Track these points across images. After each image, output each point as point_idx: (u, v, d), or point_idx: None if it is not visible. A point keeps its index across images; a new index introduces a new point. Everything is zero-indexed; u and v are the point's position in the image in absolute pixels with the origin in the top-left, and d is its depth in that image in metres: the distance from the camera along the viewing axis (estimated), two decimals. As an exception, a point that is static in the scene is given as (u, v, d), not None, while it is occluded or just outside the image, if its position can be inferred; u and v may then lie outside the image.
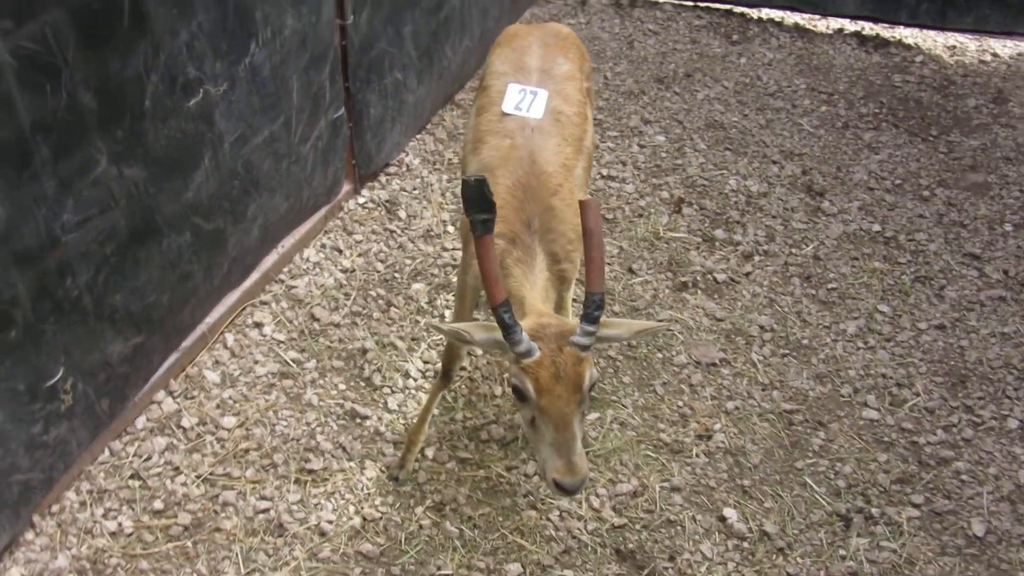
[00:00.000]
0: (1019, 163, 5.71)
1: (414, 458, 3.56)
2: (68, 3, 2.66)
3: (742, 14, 7.07)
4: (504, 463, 3.65)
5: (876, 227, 5.10)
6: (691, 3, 7.12)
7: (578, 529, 3.43)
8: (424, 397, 3.87)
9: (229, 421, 3.65)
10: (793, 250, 4.90)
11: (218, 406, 3.71)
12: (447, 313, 4.27)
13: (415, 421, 3.57)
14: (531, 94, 3.16)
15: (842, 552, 3.45)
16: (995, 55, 6.85)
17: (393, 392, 3.89)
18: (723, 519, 3.54)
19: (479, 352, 4.01)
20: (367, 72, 4.50)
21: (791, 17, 7.15)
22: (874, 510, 3.60)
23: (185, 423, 3.62)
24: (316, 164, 4.32)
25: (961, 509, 3.64)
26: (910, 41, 6.96)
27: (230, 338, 3.98)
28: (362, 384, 3.91)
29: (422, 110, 5.28)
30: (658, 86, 6.20)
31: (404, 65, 4.82)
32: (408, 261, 4.54)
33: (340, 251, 4.54)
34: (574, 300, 3.37)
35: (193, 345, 3.81)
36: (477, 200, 2.30)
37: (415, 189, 4.98)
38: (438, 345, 4.11)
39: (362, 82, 4.48)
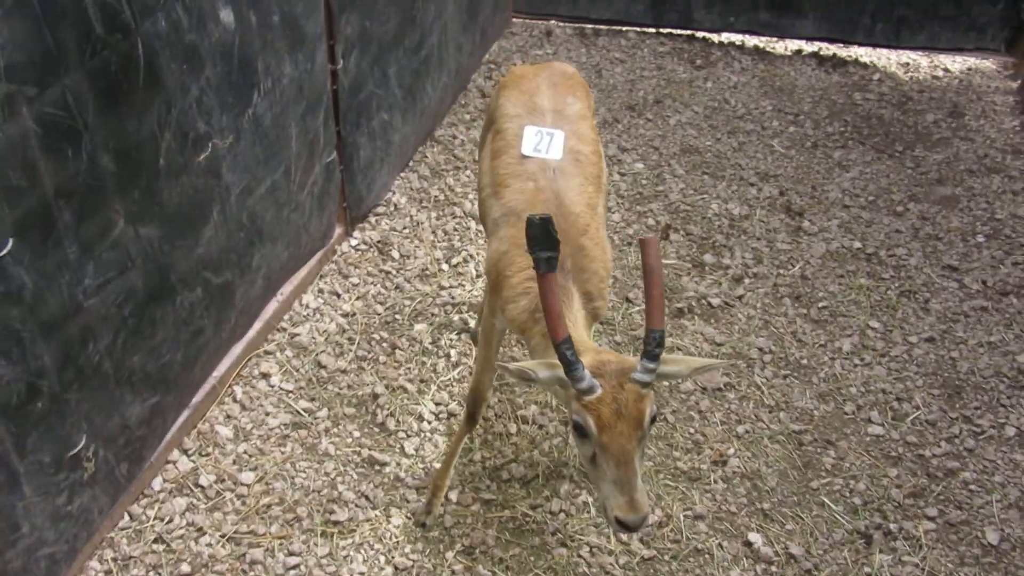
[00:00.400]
0: (982, 175, 5.91)
1: (440, 503, 3.54)
2: (87, 65, 2.62)
3: (704, 39, 7.22)
4: (528, 502, 3.64)
5: (857, 244, 5.23)
6: (653, 30, 7.25)
7: (610, 564, 3.44)
8: (440, 440, 3.85)
9: (248, 476, 3.59)
10: (781, 271, 5.00)
11: (234, 461, 3.65)
12: (452, 353, 4.27)
13: (440, 466, 3.55)
14: (548, 135, 3.19)
15: (867, 569, 3.51)
16: (946, 70, 7.09)
17: (409, 436, 3.87)
18: (748, 544, 3.58)
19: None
20: (357, 115, 4.49)
21: (751, 40, 7.32)
22: (892, 525, 3.67)
23: (203, 481, 3.55)
24: (312, 210, 4.29)
25: (974, 519, 3.73)
26: (866, 60, 7.18)
27: (239, 391, 3.92)
28: (376, 430, 3.88)
29: (406, 148, 5.28)
30: (630, 113, 6.30)
31: (390, 105, 4.82)
32: (407, 302, 4.52)
33: (338, 295, 4.50)
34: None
35: (203, 401, 3.74)
36: (542, 238, 2.31)
37: (405, 228, 4.96)
38: (447, 387, 4.10)
39: (352, 125, 4.47)
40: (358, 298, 4.50)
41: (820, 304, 4.78)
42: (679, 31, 7.23)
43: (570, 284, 2.87)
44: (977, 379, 4.39)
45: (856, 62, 7.14)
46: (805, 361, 4.42)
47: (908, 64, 7.18)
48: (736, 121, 6.33)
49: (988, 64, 7.09)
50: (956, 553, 3.60)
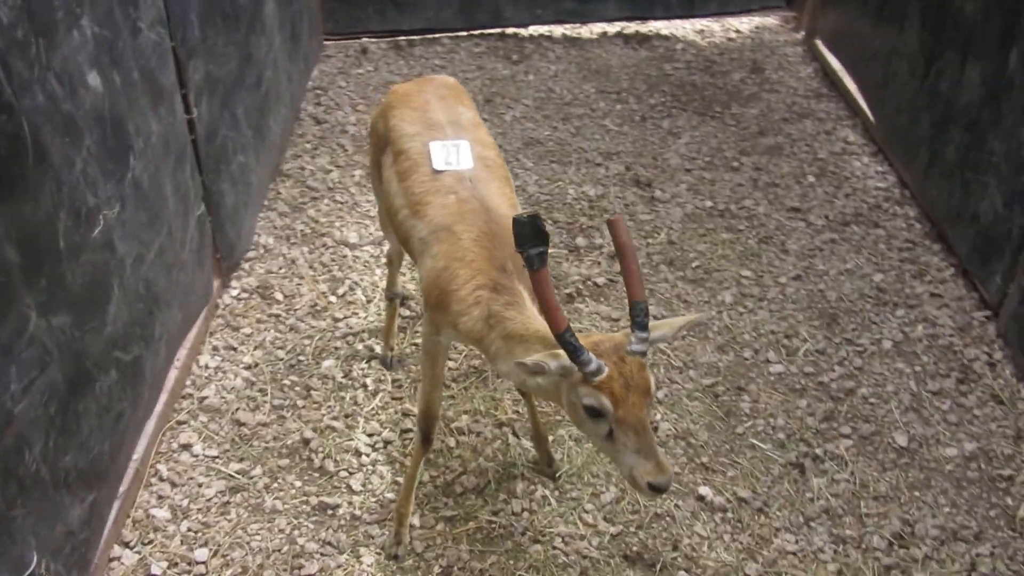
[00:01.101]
0: (795, 121, 6.43)
1: (407, 531, 3.50)
2: (-23, 155, 2.42)
3: (515, 34, 7.41)
4: (488, 509, 3.67)
5: (708, 203, 5.57)
6: (465, 32, 7.36)
7: (585, 548, 3.53)
8: (383, 470, 3.80)
9: (201, 553, 3.41)
10: (649, 240, 5.25)
11: (182, 542, 3.45)
12: (368, 382, 4.21)
13: (401, 493, 3.51)
14: (454, 147, 3.22)
15: (808, 495, 3.79)
16: (738, 31, 7.64)
17: (351, 473, 3.79)
18: (701, 498, 3.77)
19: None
20: (216, 162, 4.33)
21: (558, 29, 7.58)
22: (817, 450, 3.97)
23: (155, 570, 3.34)
24: (194, 266, 4.11)
25: (881, 428, 4.10)
26: (666, 32, 7.61)
27: (163, 469, 3.70)
28: (317, 475, 3.78)
29: (262, 188, 5.13)
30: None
31: (244, 146, 4.68)
32: (306, 341, 4.41)
33: (235, 349, 4.33)
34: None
35: (130, 487, 3.51)
36: (531, 235, 2.36)
37: (281, 268, 4.83)
38: (374, 416, 4.04)
39: (213, 173, 4.31)
40: (256, 347, 4.35)
41: (693, 264, 5.06)
42: (490, 30, 7.38)
43: (516, 283, 2.93)
44: (846, 304, 4.80)
45: (658, 35, 7.55)
46: (706, 328, 4.68)
47: (703, 31, 7.67)
48: (566, 108, 6.55)
49: (773, 21, 7.70)
50: (876, 461, 3.95)
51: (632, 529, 3.64)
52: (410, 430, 3.99)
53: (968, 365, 4.38)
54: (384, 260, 4.93)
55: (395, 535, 3.47)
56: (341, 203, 5.36)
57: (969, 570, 3.49)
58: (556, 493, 3.76)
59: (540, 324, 2.82)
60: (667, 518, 3.69)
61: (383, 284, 4.77)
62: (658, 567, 3.49)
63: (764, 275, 4.99)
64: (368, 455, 3.87)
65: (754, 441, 4.02)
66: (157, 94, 3.60)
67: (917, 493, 3.80)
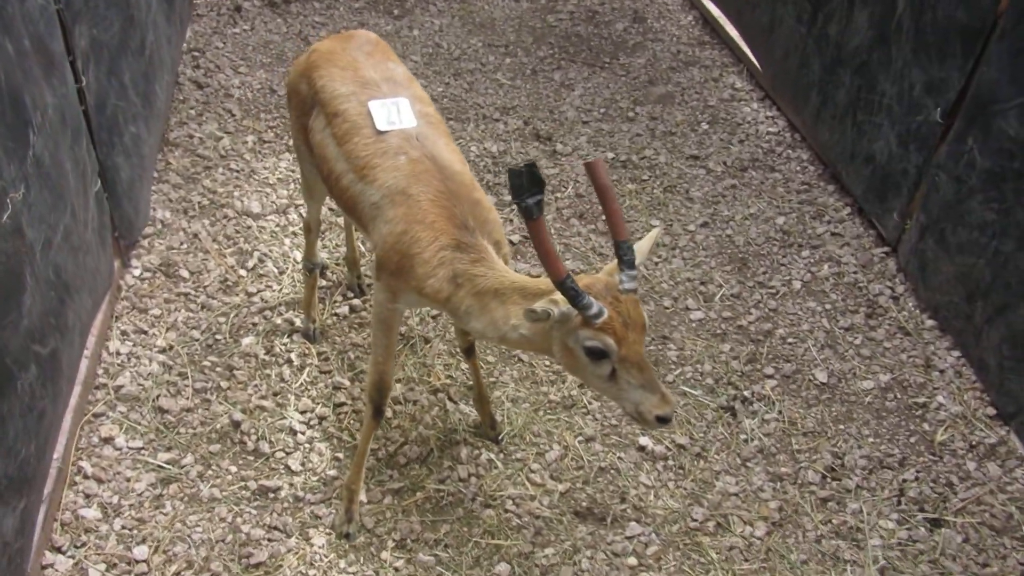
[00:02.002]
0: (681, 69, 6.52)
1: (358, 508, 3.41)
2: None
3: (395, -12, 7.19)
4: (435, 477, 3.61)
5: (610, 154, 5.60)
6: (348, -13, 7.09)
7: (536, 508, 3.53)
8: (321, 446, 3.68)
9: (141, 551, 3.22)
10: (557, 195, 5.24)
11: (118, 541, 3.25)
12: (292, 357, 4.05)
13: (352, 470, 3.40)
14: (394, 105, 3.09)
15: (743, 436, 3.90)
16: (618, -20, 7.66)
17: (288, 453, 3.65)
18: (642, 448, 3.83)
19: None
20: (109, 133, 4.03)
21: (439, -18, 7.40)
22: (745, 392, 4.09)
23: (94, 574, 3.13)
24: (97, 248, 3.82)
25: (802, 366, 4.26)
26: (547, -17, 7.55)
27: (87, 466, 3.46)
28: (252, 458, 3.62)
29: (153, 159, 4.82)
30: (355, 75, 6.15)
31: (134, 116, 4.36)
32: (221, 319, 4.20)
33: (145, 332, 4.07)
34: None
35: (54, 489, 3.27)
36: (529, 184, 2.32)
37: (183, 244, 4.56)
38: (305, 392, 3.90)
39: (107, 145, 4.01)
40: (168, 329, 4.10)
41: (603, 217, 5.07)
42: (369, -16, 7.13)
43: (480, 239, 2.89)
44: (754, 248, 4.94)
45: (539, -14, 7.49)
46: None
47: (582, -20, 7.66)
48: (455, 63, 6.42)
49: (650, -32, 7.75)
50: (801, 399, 4.10)
51: (579, 485, 3.66)
52: (344, 404, 3.87)
53: (874, 300, 4.59)
54: (294, 229, 4.73)
55: (345, 513, 3.37)
56: (237, 171, 5.09)
57: (899, 495, 3.68)
58: (501, 456, 3.74)
59: (513, 276, 2.81)
60: (612, 471, 3.73)
61: (294, 254, 4.58)
62: (608, 520, 3.53)
63: (673, 223, 5.07)
64: (303, 433, 3.74)
65: (685, 388, 4.10)
66: (49, 63, 3.29)
67: (842, 426, 3.97)
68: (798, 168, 5.54)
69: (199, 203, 4.82)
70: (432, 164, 2.98)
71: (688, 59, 6.63)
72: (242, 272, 4.46)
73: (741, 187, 5.38)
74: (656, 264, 4.77)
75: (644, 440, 3.84)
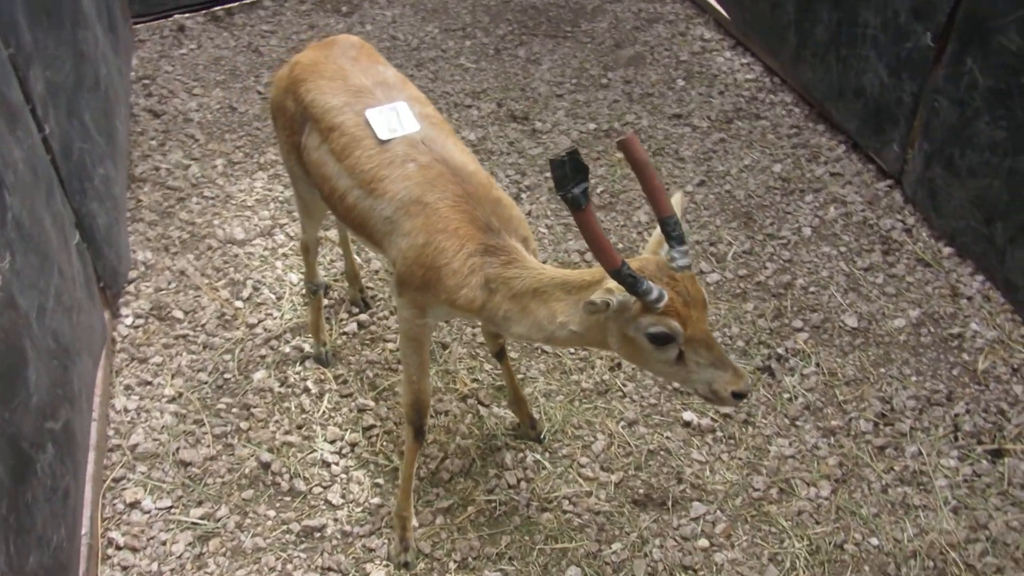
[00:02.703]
0: (646, 28, 6.35)
1: (412, 535, 3.24)
2: None
3: (339, -15, 6.92)
4: (483, 489, 3.46)
5: (592, 125, 5.43)
6: (286, -9, 6.81)
7: (595, 504, 3.40)
8: (358, 474, 3.51)
9: (194, 617, 3.04)
10: (546, 175, 5.07)
11: (167, 610, 3.07)
12: (309, 385, 3.86)
13: (399, 496, 3.24)
14: (392, 111, 2.90)
15: (786, 395, 3.79)
16: (562, -54, 7.45)
17: (326, 487, 3.48)
18: (687, 424, 3.70)
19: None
20: (79, 180, 3.79)
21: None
22: (778, 350, 3.98)
23: (148, 650, 2.95)
24: (88, 303, 3.60)
25: (829, 314, 4.15)
26: (492, -42, 7.32)
27: (117, 536, 3.26)
28: (289, 499, 3.44)
29: (124, 199, 4.57)
30: (314, 81, 5.91)
31: (100, 156, 4.12)
32: (226, 357, 3.99)
33: (150, 383, 3.85)
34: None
35: (88, 569, 3.06)
36: (573, 173, 2.16)
37: (171, 283, 4.33)
38: (331, 420, 3.72)
39: (79, 192, 3.77)
40: (173, 376, 3.89)
41: (599, 190, 4.92)
42: (311, -16, 6.86)
43: (506, 240, 2.74)
44: (756, 200, 4.81)
45: (484, -37, 7.26)
46: (620, 246, 4.56)
47: (527, -49, 7.44)
48: (415, 54, 6.20)
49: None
50: (835, 348, 3.99)
51: (632, 472, 3.53)
52: (373, 426, 3.70)
53: (887, 236, 4.49)
54: (284, 251, 4.52)
55: (400, 541, 3.21)
56: (211, 198, 4.86)
57: (954, 431, 3.60)
58: (547, 455, 3.59)
59: (551, 272, 2.67)
60: (661, 452, 3.60)
61: (289, 277, 4.37)
62: (670, 503, 3.41)
63: (669, 187, 4.92)
64: (337, 463, 3.56)
65: (717, 355, 3.96)
66: (10, 115, 3.06)
67: (883, 369, 3.87)
68: (784, 112, 5.42)
69: (179, 238, 4.59)
70: (445, 167, 2.81)
71: (651, 16, 6.46)
72: (238, 304, 4.25)
73: (730, 140, 5.25)
74: (654, 230, 4.62)
75: (688, 415, 3.71)
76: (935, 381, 3.80)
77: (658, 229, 2.56)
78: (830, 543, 3.25)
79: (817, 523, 3.32)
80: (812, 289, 4.27)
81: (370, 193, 2.85)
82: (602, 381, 3.88)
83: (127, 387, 3.82)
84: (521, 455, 3.58)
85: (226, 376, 3.91)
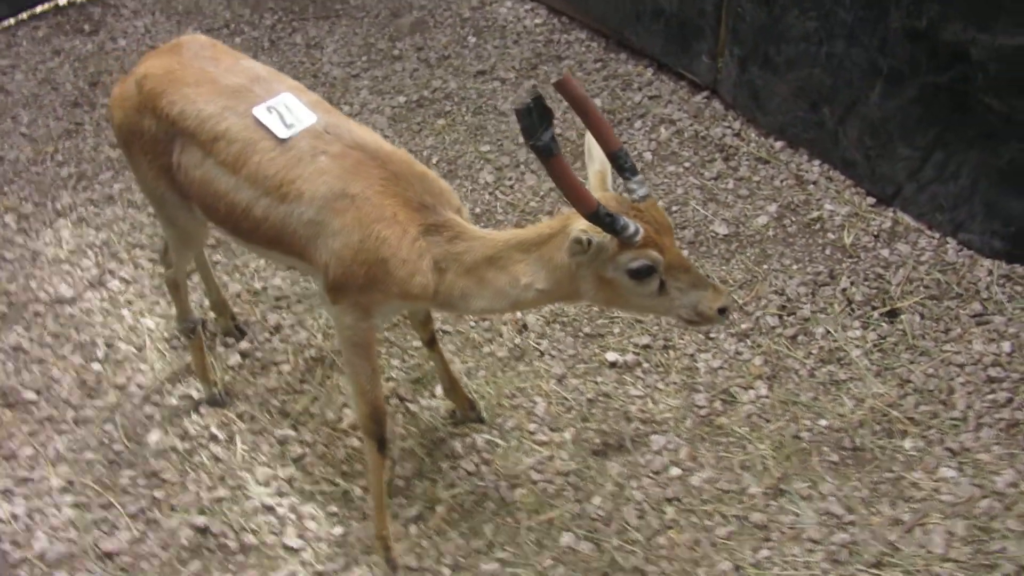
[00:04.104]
0: (416, -9, 6.21)
1: (396, 552, 3.03)
2: None
3: (70, 2, 6.21)
4: (443, 484, 3.29)
5: (401, 98, 5.24)
6: (13, 20, 6.02)
7: (560, 465, 3.33)
8: (311, 510, 3.22)
9: None
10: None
11: None
12: (214, 431, 3.49)
13: (375, 516, 3.02)
14: (281, 106, 2.62)
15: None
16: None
17: (277, 534, 3.17)
18: (613, 364, 3.70)
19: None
20: None
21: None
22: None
23: None
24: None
25: (699, 227, 4.28)
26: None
27: (65, 657, 2.81)
28: (243, 557, 3.10)
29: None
30: (78, 111, 5.29)
31: None
32: (108, 428, 3.52)
33: (30, 480, 3.31)
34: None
35: None
36: (540, 118, 2.06)
37: (7, 363, 3.74)
38: (252, 460, 3.38)
39: None
40: (55, 464, 3.37)
41: (434, 161, 4.79)
42: (40, 7, 6.11)
43: (444, 212, 2.62)
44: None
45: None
46: (477, 210, 4.46)
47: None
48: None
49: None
50: (716, 256, 4.15)
51: (581, 425, 3.49)
52: (303, 455, 3.41)
53: (721, 143, 4.70)
54: (125, 297, 4.05)
55: (388, 563, 3.00)
56: (16, 260, 4.24)
57: (847, 304, 3.84)
58: (495, 432, 3.47)
59: (502, 235, 2.58)
60: (600, 398, 3.59)
61: (143, 323, 3.92)
62: (629, 444, 3.42)
63: (502, 142, 4.88)
64: (280, 504, 3.25)
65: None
66: None
67: (765, 266, 4.06)
68: (583, 49, 5.49)
69: (1, 312, 3.98)
70: (361, 152, 2.60)
71: (416, -21, 6.32)
72: (96, 367, 3.76)
73: (542, 84, 5.25)
74: (510, 187, 4.58)
75: (611, 355, 3.72)
76: (814, 264, 4.04)
77: (596, 166, 2.52)
78: (786, 435, 3.39)
79: (767, 421, 3.45)
80: (675, 208, 4.39)
81: (283, 199, 2.58)
82: (516, 347, 3.79)
83: (5, 492, 3.28)
84: (469, 440, 3.44)
85: (115, 448, 3.46)
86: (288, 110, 2.61)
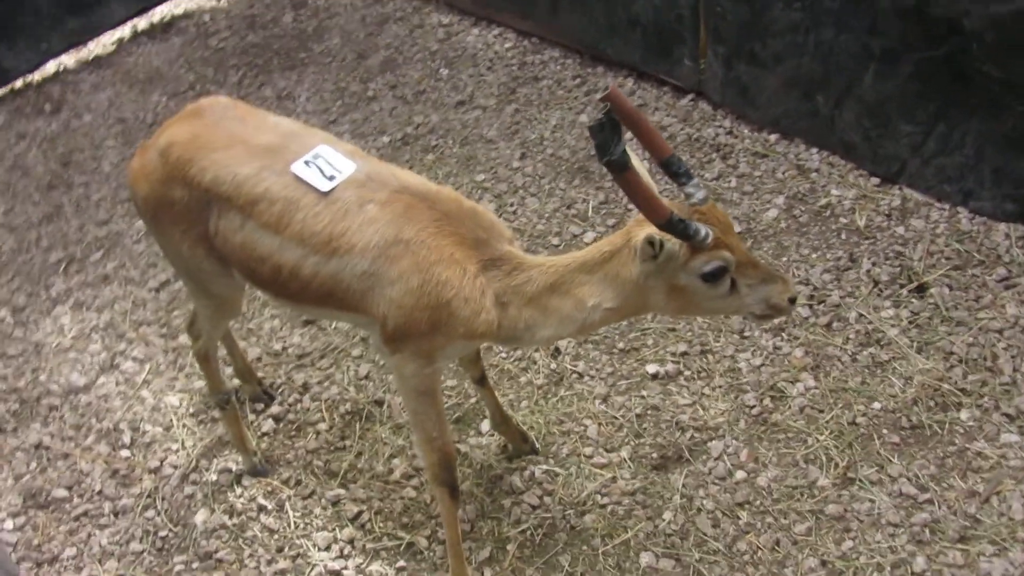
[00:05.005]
0: (380, 32, 6.13)
1: (479, 599, 2.95)
2: None
3: (31, 83, 6.08)
4: (509, 522, 3.21)
5: (385, 138, 5.18)
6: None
7: (623, 485, 3.27)
8: (376, 567, 3.12)
9: None
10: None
11: None
12: (262, 502, 3.37)
13: (452, 565, 2.93)
14: (319, 158, 2.55)
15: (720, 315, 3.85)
16: None
17: (350, 595, 3.07)
18: (654, 376, 3.65)
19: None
20: None
21: (73, 57, 6.32)
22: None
23: None
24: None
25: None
26: (183, 10, 6.73)
27: None
28: (318, 626, 3.00)
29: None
30: (55, 193, 5.15)
31: None
32: (150, 515, 3.39)
33: (79, 580, 3.19)
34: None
35: None
36: (611, 134, 2.08)
37: (32, 463, 3.59)
38: (308, 524, 3.27)
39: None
40: (101, 560, 3.23)
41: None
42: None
43: (499, 245, 2.59)
44: (582, 153, 4.83)
45: (181, 16, 6.66)
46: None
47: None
48: (155, 129, 5.58)
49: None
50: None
51: (636, 442, 3.44)
52: (360, 512, 3.30)
53: (716, 143, 4.69)
54: (142, 376, 3.92)
55: (474, 614, 2.91)
56: (19, 355, 4.10)
57: (874, 285, 3.82)
58: (551, 461, 3.40)
59: (560, 260, 2.56)
60: (649, 411, 3.54)
61: (166, 401, 3.80)
62: (686, 455, 3.36)
63: (496, 169, 4.83)
64: (346, 567, 3.15)
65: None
66: None
67: (784, 259, 4.04)
68: (559, 67, 5.48)
69: (13, 410, 3.83)
70: (409, 196, 2.54)
71: (378, 19, 6.27)
72: (125, 453, 3.63)
73: (524, 108, 5.23)
74: (513, 212, 4.52)
75: (651, 368, 3.67)
76: (833, 250, 4.03)
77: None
78: (843, 423, 3.36)
79: (821, 412, 3.42)
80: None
81: (332, 253, 2.51)
82: (552, 372, 3.73)
83: (39, 595, 3.14)
84: (527, 473, 3.36)
85: (162, 535, 3.33)
86: (327, 162, 2.54)
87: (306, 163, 2.53)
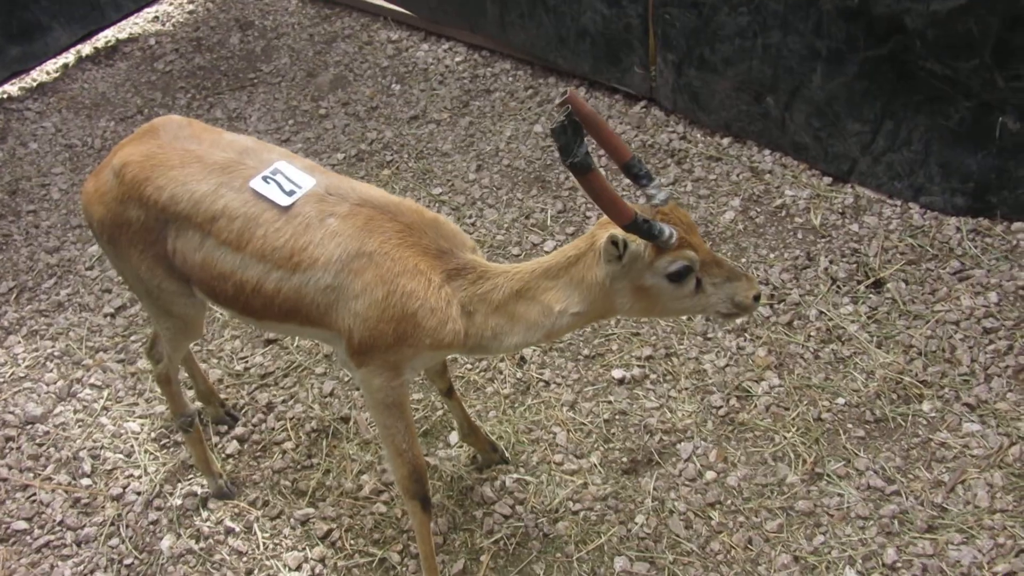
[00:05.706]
0: (327, 51, 6.10)
1: (453, 611, 2.92)
2: None
3: (-29, 113, 5.93)
4: (482, 533, 3.19)
5: (340, 155, 5.14)
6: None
7: (594, 491, 3.27)
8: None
9: None
10: (327, 217, 4.74)
11: None
12: (229, 524, 3.31)
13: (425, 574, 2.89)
14: (278, 174, 2.52)
15: (683, 316, 3.88)
16: (192, 1, 6.94)
17: (324, 616, 3.02)
18: (620, 380, 3.66)
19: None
20: None
21: (15, 85, 6.19)
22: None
23: None
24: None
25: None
26: (128, 35, 6.64)
27: None
28: (292, 649, 2.95)
29: None
30: (3, 223, 5.04)
31: None
32: (114, 543, 3.31)
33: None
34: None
35: None
36: (573, 136, 2.06)
37: (-14, 498, 3.49)
38: (276, 544, 3.22)
39: None
40: (65, 593, 3.15)
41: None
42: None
43: (462, 254, 2.59)
44: (538, 163, 4.85)
45: (125, 41, 6.56)
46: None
47: (160, 17, 6.83)
48: (105, 154, 5.49)
49: None
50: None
51: (605, 447, 3.44)
52: (330, 531, 3.26)
53: (670, 149, 4.74)
54: (100, 403, 3.83)
55: (448, 624, 2.88)
56: (-30, 388, 3.99)
57: (832, 283, 3.89)
58: (522, 470, 3.39)
59: (525, 267, 2.56)
60: (617, 416, 3.55)
61: (127, 427, 3.72)
62: (656, 458, 3.37)
63: (452, 182, 4.82)
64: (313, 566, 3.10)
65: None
66: None
67: (744, 259, 4.09)
68: (511, 79, 5.50)
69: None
70: (370, 209, 2.53)
71: (326, 37, 6.24)
72: (86, 482, 3.54)
73: (478, 120, 5.24)
74: (472, 223, 4.52)
75: (617, 372, 3.68)
76: (790, 249, 4.09)
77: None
78: (809, 419, 3.39)
79: (786, 409, 3.45)
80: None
81: (295, 268, 2.48)
82: (519, 381, 3.73)
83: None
84: (498, 483, 3.35)
85: (127, 563, 3.25)
86: (286, 178, 2.52)
87: (265, 179, 2.50)
